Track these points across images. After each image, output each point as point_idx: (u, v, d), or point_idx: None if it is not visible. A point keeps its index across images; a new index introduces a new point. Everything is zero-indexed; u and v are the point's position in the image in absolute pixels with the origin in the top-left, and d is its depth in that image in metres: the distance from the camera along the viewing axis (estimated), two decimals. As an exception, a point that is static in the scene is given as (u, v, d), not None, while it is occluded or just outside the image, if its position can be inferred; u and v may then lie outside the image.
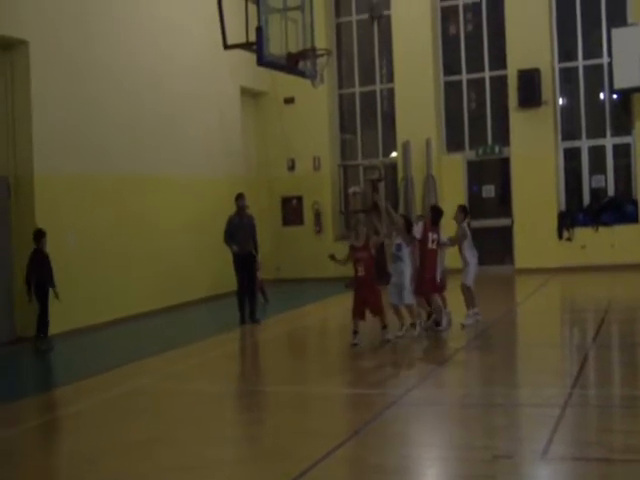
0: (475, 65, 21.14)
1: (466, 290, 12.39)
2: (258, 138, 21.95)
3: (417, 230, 11.83)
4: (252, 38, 13.38)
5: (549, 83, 20.00)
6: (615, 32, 18.68)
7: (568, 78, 20.56)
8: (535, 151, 19.99)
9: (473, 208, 20.29)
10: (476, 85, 21.28)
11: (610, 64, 18.94)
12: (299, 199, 21.93)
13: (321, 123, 21.80)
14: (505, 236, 20.36)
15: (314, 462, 6.34)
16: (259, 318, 14.26)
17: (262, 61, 13.60)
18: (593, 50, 20.15)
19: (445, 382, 9.47)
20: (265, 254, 15.75)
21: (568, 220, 19.93)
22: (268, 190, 21.91)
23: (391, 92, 21.61)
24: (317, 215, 21.69)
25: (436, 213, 12.22)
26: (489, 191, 21.04)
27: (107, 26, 15.54)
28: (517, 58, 20.03)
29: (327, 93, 21.43)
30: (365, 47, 22.11)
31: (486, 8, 20.96)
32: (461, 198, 20.60)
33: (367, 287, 11.19)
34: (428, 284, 11.78)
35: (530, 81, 19.82)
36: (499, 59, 20.74)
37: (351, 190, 21.07)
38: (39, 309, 12.67)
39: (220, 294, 17.30)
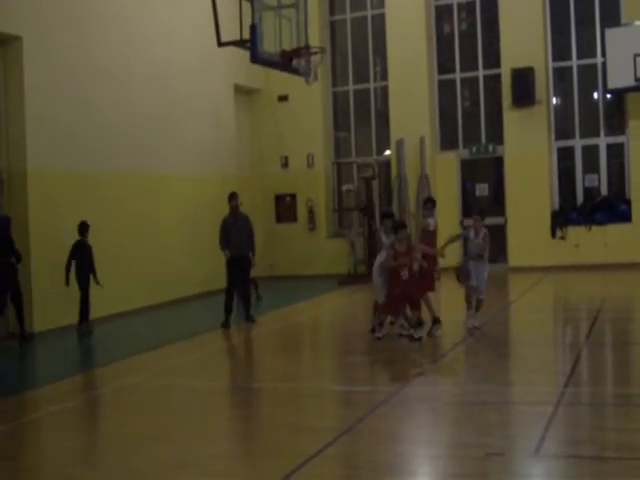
0: (469, 64, 21.17)
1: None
2: (252, 135, 21.94)
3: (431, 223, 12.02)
4: (246, 36, 13.39)
5: (543, 82, 20.02)
6: (609, 32, 18.68)
7: (562, 77, 20.60)
8: (529, 150, 20.01)
9: (466, 206, 20.44)
10: (470, 84, 21.31)
11: (604, 64, 18.95)
12: (293, 196, 21.94)
13: (315, 121, 21.80)
14: (498, 235, 20.35)
15: (307, 458, 6.36)
16: (253, 316, 14.01)
17: (256, 59, 13.62)
18: (587, 50, 20.19)
19: (438, 380, 9.47)
20: (258, 251, 15.72)
21: (561, 219, 19.96)
22: (262, 187, 21.89)
23: (385, 90, 21.63)
24: (311, 212, 21.70)
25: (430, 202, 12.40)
26: (482, 189, 21.06)
27: (101, 23, 15.52)
28: (511, 57, 20.04)
29: (321, 91, 21.43)
30: (359, 45, 22.12)
31: (480, 7, 20.99)
32: (454, 196, 20.69)
33: (412, 286, 11.20)
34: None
35: (524, 80, 19.83)
36: (493, 58, 20.77)
37: (345, 188, 21.12)
38: (80, 296, 13.50)
39: (215, 290, 17.26)
